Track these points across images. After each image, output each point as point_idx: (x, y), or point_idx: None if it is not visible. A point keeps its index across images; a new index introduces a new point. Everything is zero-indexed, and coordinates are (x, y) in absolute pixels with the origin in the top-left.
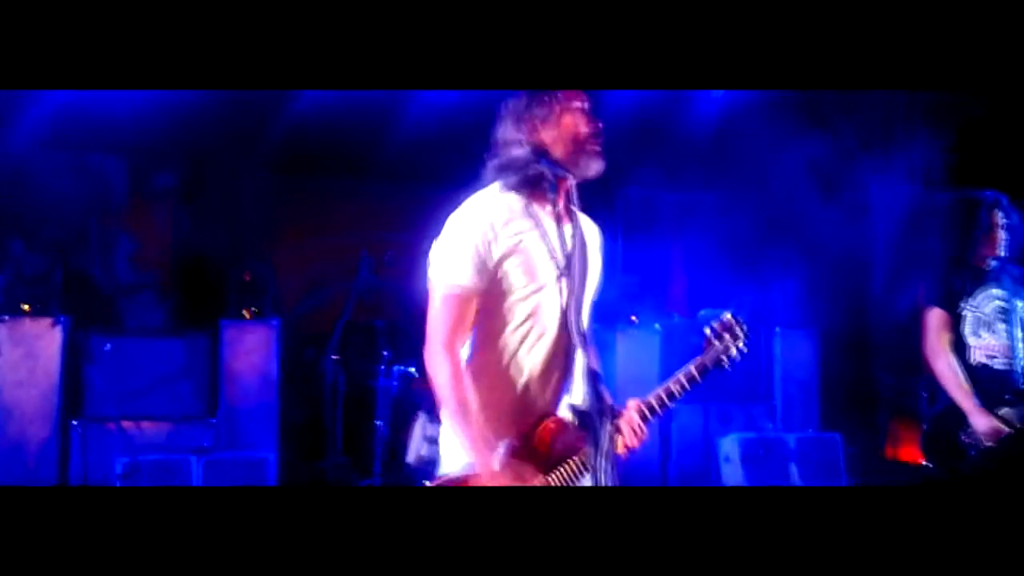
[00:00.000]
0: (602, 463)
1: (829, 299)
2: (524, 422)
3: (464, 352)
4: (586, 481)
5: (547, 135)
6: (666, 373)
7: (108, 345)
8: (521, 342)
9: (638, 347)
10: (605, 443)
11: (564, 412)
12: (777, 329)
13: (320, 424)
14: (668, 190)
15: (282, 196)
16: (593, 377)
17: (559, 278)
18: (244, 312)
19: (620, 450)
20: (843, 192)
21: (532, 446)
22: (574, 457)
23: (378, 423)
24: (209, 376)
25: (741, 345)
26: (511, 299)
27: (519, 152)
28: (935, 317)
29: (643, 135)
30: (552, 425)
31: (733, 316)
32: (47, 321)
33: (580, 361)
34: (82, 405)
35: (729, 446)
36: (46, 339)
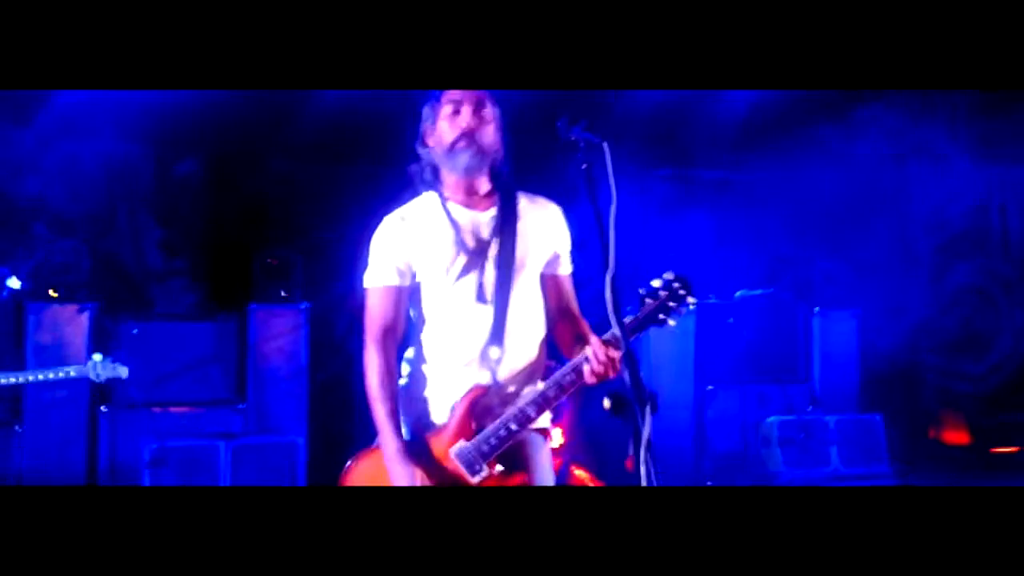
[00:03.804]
0: (642, 452)
1: (869, 279)
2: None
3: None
4: (544, 454)
5: (430, 140)
6: (700, 354)
7: (135, 330)
8: (445, 326)
9: (671, 327)
10: (646, 431)
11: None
12: (816, 309)
13: (350, 408)
14: (703, 169)
15: (309, 181)
16: (631, 363)
17: (472, 264)
18: (270, 295)
19: (589, 379)
20: (883, 168)
21: (457, 416)
22: (496, 421)
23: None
24: (238, 361)
25: (679, 303)
26: (430, 290)
27: (420, 156)
28: None
29: (677, 114)
30: (472, 393)
31: (675, 274)
32: (75, 307)
33: (516, 331)
34: (110, 391)
35: (767, 429)
36: (74, 325)
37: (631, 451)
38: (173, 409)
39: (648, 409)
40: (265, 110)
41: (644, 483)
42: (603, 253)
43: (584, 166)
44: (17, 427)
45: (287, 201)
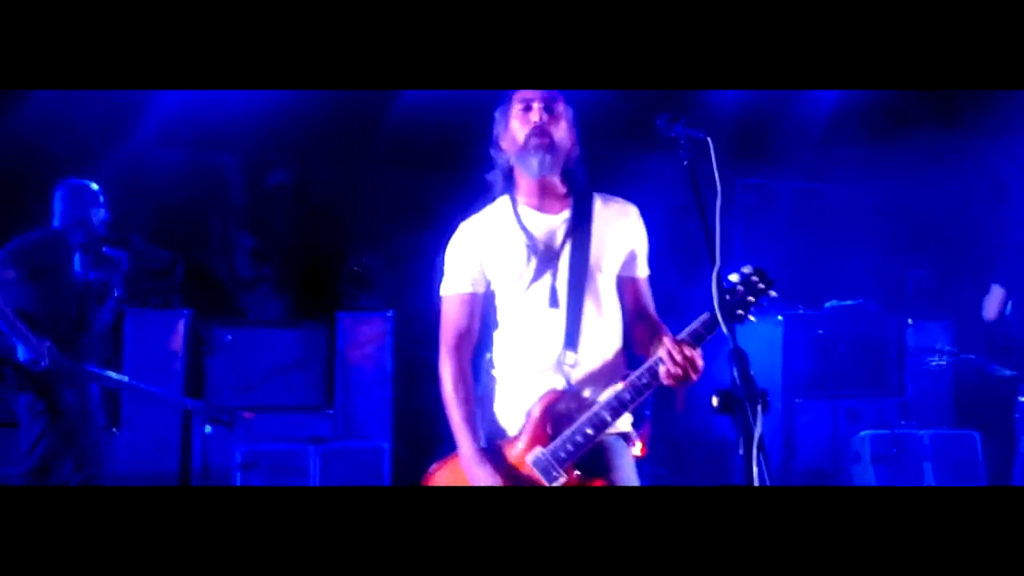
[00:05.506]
0: (754, 451)
1: (964, 291)
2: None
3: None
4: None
5: (504, 142)
6: (789, 364)
7: (229, 336)
8: (519, 332)
9: (760, 338)
10: (757, 430)
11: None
12: (910, 321)
13: (433, 414)
14: (792, 178)
15: (394, 190)
16: (741, 360)
17: (544, 268)
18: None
19: (666, 380)
20: (976, 178)
21: (532, 422)
22: (573, 425)
23: None
24: (326, 367)
25: (758, 298)
26: (503, 296)
27: (495, 160)
28: None
29: (763, 122)
30: (547, 398)
31: (753, 267)
32: (171, 313)
33: (590, 335)
34: (204, 395)
35: (860, 444)
36: (169, 331)
37: (742, 450)
38: (264, 414)
39: (759, 407)
40: (351, 119)
41: (756, 483)
42: (708, 249)
43: (685, 162)
44: (114, 429)
45: (372, 209)
